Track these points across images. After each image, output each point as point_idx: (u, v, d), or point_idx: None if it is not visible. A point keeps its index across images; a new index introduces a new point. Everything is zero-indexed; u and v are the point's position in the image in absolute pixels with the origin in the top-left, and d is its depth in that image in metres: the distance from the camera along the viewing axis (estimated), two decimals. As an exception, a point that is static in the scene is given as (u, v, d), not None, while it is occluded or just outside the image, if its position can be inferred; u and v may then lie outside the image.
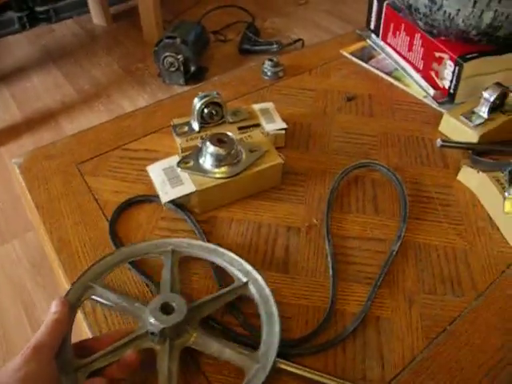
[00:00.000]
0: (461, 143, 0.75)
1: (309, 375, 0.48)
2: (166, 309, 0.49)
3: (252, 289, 0.54)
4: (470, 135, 0.75)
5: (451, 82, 0.83)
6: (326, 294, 0.57)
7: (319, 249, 0.62)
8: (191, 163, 0.64)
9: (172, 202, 0.63)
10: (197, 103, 0.70)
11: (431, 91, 0.87)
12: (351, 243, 0.63)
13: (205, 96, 0.70)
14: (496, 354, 0.52)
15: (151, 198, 0.66)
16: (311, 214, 0.66)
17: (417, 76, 0.90)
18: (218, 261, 0.57)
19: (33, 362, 0.41)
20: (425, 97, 0.87)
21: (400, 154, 0.75)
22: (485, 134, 0.75)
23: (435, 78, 0.86)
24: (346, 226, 0.65)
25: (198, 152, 0.65)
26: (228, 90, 0.87)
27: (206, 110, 0.70)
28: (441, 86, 0.86)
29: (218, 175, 0.63)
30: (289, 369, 0.48)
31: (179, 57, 1.83)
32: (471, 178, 0.70)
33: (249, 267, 0.55)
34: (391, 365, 0.51)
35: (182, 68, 1.86)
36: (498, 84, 0.76)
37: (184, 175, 0.63)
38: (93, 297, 0.52)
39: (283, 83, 0.90)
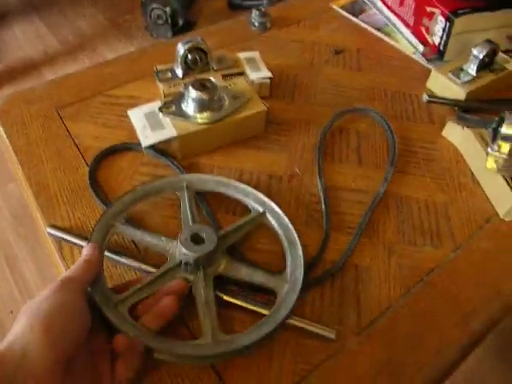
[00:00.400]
0: (447, 99, 0.74)
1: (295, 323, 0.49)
2: (196, 239, 0.50)
3: (270, 218, 0.56)
4: (457, 92, 0.74)
5: (441, 38, 0.81)
6: (307, 242, 0.56)
7: (300, 198, 0.61)
8: (173, 108, 0.63)
9: (153, 148, 0.62)
10: (180, 48, 0.68)
11: (421, 47, 0.85)
12: (334, 193, 0.62)
13: (189, 41, 0.68)
14: (469, 305, 0.53)
15: (133, 145, 0.64)
16: (294, 163, 0.65)
17: (407, 32, 0.88)
18: (232, 193, 0.58)
19: (62, 292, 0.41)
20: (414, 53, 0.86)
21: (386, 108, 0.74)
22: (472, 91, 0.74)
23: (425, 34, 0.85)
24: (329, 176, 0.64)
25: (180, 97, 0.63)
26: (214, 40, 0.84)
27: (189, 56, 0.68)
28: (431, 42, 0.84)
29: (200, 121, 0.61)
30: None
31: (167, 9, 1.78)
32: (456, 134, 0.70)
33: (264, 198, 0.57)
34: (367, 312, 0.51)
35: (169, 21, 1.81)
36: (488, 41, 0.75)
37: (165, 120, 0.62)
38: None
39: (270, 34, 0.88)
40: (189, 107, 0.62)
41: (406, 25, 0.88)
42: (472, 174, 0.67)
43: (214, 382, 0.46)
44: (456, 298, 0.54)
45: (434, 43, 0.83)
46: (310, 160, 0.66)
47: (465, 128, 0.68)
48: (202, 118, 0.61)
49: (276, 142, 0.68)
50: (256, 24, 0.88)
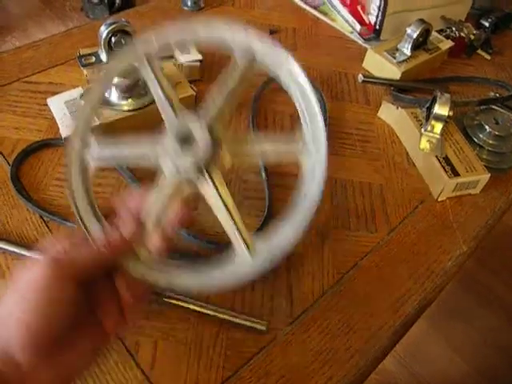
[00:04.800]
0: (382, 79, 0.73)
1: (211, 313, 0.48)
2: (187, 139, 0.39)
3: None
4: (393, 72, 0.74)
5: (377, 17, 0.80)
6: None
7: (231, 185, 0.59)
8: (95, 95, 0.59)
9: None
10: (103, 31, 0.64)
11: (358, 27, 0.84)
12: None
13: (112, 23, 0.64)
14: (403, 286, 0.53)
15: (55, 141, 0.60)
16: (226, 150, 0.63)
17: (344, 11, 0.86)
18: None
19: (53, 287, 0.35)
20: (351, 32, 0.84)
21: (322, 89, 0.73)
22: (407, 71, 0.74)
23: (362, 13, 0.84)
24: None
25: (103, 83, 0.60)
26: (145, 21, 0.81)
27: (113, 39, 0.64)
28: (367, 21, 0.83)
29: (124, 107, 0.58)
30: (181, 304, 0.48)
31: (103, -12, 1.70)
32: (391, 114, 0.69)
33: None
34: (300, 301, 0.50)
35: (106, 0, 1.72)
36: (421, 20, 0.74)
37: (87, 108, 0.58)
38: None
39: (204, 14, 0.84)
40: (112, 94, 0.59)
41: (343, 3, 0.86)
42: (407, 154, 0.66)
43: (140, 381, 0.44)
44: (390, 281, 0.53)
45: (370, 22, 0.82)
46: (242, 145, 0.64)
47: (399, 108, 0.67)
48: (125, 104, 0.58)
49: (208, 127, 0.65)
50: (189, 4, 0.84)
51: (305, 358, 0.47)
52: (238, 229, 0.40)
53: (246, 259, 0.39)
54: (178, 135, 0.39)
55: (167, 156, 0.40)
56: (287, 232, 0.39)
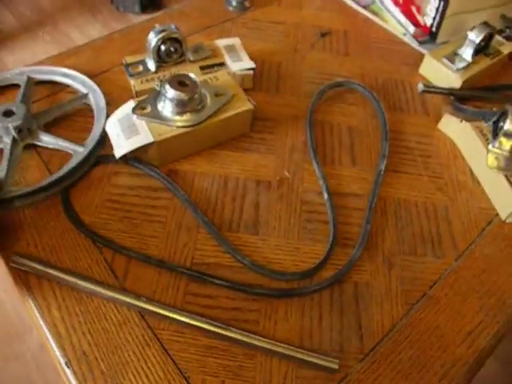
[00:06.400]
0: (444, 88, 0.69)
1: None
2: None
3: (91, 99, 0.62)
4: (453, 79, 0.69)
5: (434, 19, 0.76)
6: (300, 258, 0.52)
7: (292, 206, 0.56)
8: (148, 109, 0.56)
9: (126, 156, 0.55)
10: (152, 39, 0.61)
11: (411, 28, 0.79)
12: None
13: (162, 31, 0.61)
14: (474, 318, 0.50)
15: (105, 158, 0.58)
16: (282, 165, 0.60)
17: (396, 11, 0.82)
18: (59, 79, 0.65)
19: None
20: (404, 34, 0.80)
21: (377, 98, 0.69)
22: (468, 78, 0.69)
23: (416, 14, 0.79)
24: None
25: (155, 96, 0.56)
26: (188, 23, 0.77)
27: (163, 47, 0.61)
28: (422, 23, 0.79)
29: (179, 123, 0.55)
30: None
31: (132, -21, 1.66)
32: (453, 128, 0.65)
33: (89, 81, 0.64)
34: (370, 334, 0.48)
35: (136, -8, 1.67)
36: (485, 24, 0.70)
37: (140, 123, 0.55)
38: None
39: (250, 15, 0.80)
40: (166, 108, 0.55)
41: (395, 3, 0.82)
42: (471, 171, 0.62)
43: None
44: (460, 312, 0.50)
45: (425, 24, 0.78)
46: (299, 161, 0.60)
47: (463, 121, 0.63)
48: (181, 120, 0.55)
49: (262, 141, 0.62)
50: (233, 3, 0.80)
51: (377, 399, 0.44)
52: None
53: None
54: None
55: None
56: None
